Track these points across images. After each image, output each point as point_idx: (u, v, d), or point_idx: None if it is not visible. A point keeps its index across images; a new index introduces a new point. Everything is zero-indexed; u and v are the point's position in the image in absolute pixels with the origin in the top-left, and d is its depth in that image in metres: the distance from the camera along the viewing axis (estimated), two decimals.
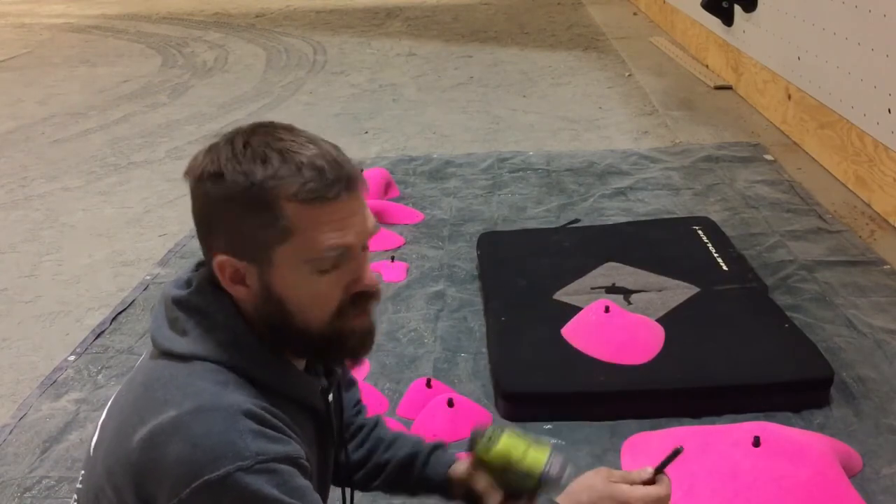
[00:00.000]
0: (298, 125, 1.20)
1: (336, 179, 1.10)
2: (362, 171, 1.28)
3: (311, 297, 1.13)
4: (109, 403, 1.21)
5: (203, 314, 1.15)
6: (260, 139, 1.12)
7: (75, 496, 1.24)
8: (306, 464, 1.12)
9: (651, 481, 1.30)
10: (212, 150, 1.13)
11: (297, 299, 1.13)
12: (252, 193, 1.09)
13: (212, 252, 1.14)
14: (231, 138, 1.13)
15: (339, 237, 1.11)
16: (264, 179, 1.08)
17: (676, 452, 1.28)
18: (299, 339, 1.16)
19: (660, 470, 1.30)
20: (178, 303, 1.17)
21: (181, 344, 1.14)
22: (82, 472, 1.22)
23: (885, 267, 3.09)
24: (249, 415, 1.07)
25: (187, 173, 1.15)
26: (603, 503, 1.26)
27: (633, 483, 1.30)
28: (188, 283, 1.19)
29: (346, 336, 1.17)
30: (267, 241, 1.10)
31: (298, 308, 1.13)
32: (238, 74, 6.72)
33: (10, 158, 4.88)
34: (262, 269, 1.12)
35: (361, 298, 1.17)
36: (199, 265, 1.22)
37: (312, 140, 1.14)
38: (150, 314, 2.94)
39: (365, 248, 1.17)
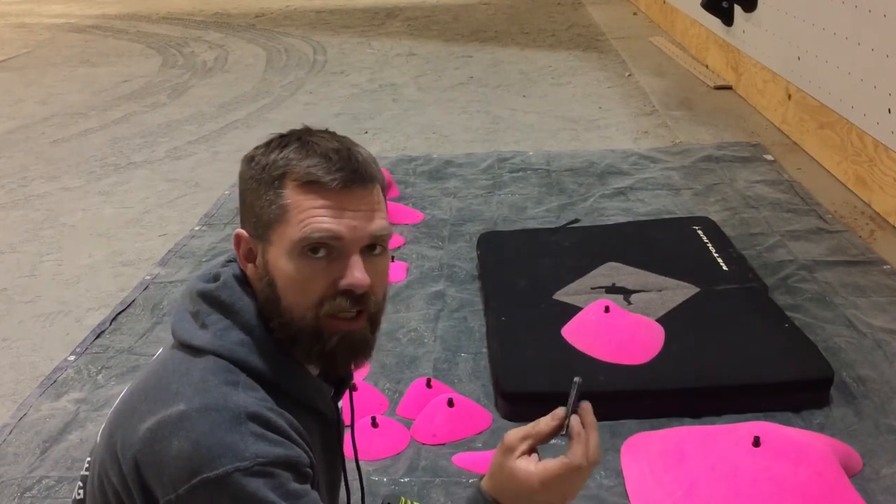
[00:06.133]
0: (298, 125, 1.23)
1: (339, 169, 1.13)
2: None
3: (296, 280, 1.13)
4: (125, 391, 1.22)
5: (225, 309, 1.16)
6: (300, 133, 1.18)
7: (80, 483, 1.25)
8: (308, 470, 1.12)
9: (558, 427, 1.16)
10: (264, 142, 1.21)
11: (284, 281, 1.14)
12: (265, 173, 1.15)
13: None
14: (282, 134, 1.20)
15: (329, 223, 1.12)
16: (276, 160, 1.15)
17: (577, 386, 1.15)
18: (284, 325, 1.15)
19: (572, 412, 1.15)
20: (202, 296, 1.19)
21: (199, 337, 1.15)
22: (88, 458, 1.24)
23: (885, 267, 3.09)
24: (254, 417, 1.08)
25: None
26: (512, 485, 1.13)
27: (539, 436, 1.16)
28: (216, 277, 1.21)
29: (327, 335, 1.15)
30: (269, 219, 1.14)
31: (284, 291, 1.14)
32: (238, 74, 6.72)
33: (10, 158, 4.89)
34: (265, 248, 1.15)
35: (345, 298, 1.13)
36: (229, 261, 1.24)
37: (343, 142, 1.18)
38: (150, 312, 2.97)
39: (369, 250, 1.15)
